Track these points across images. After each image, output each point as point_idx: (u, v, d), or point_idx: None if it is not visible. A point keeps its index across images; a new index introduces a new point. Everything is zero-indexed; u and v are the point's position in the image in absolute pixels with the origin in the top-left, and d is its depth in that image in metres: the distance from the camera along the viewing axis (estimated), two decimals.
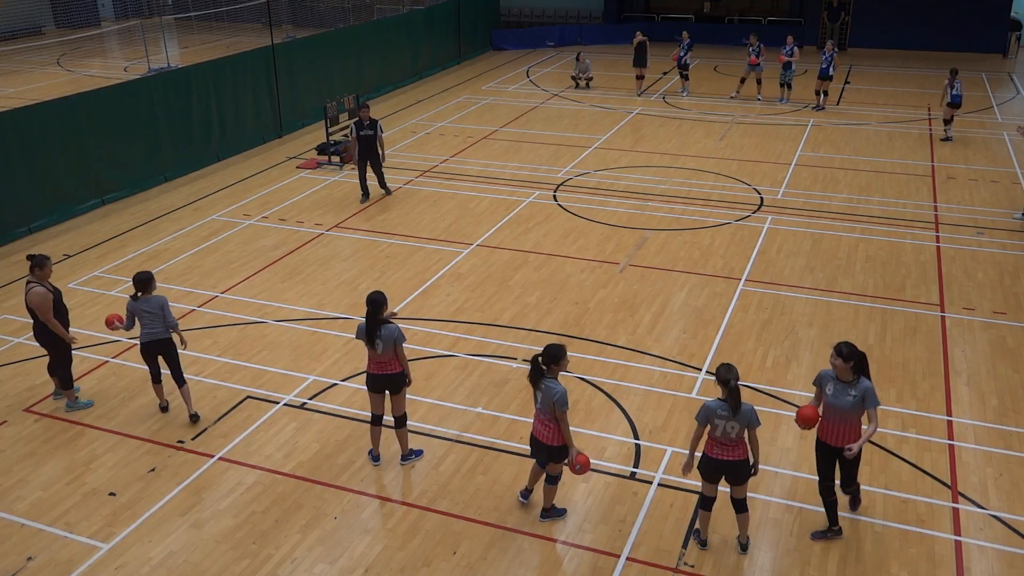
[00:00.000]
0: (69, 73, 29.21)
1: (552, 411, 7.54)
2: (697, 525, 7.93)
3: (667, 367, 10.76)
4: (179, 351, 9.65)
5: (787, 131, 21.05)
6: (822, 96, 23.07)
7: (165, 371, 9.75)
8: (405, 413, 8.84)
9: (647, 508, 8.31)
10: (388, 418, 8.90)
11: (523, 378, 10.44)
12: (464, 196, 16.72)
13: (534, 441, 7.88)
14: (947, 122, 20.20)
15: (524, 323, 11.84)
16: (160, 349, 9.46)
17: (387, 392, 8.67)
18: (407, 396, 9.12)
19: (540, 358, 7.61)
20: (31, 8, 36.80)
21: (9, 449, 9.33)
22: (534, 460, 8.16)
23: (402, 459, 8.98)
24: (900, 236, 14.67)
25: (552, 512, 8.16)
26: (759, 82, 24.06)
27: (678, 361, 10.89)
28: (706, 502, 7.70)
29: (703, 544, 7.82)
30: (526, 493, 8.36)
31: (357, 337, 8.60)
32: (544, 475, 8.03)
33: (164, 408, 9.84)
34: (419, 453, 9.08)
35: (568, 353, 7.66)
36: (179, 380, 9.62)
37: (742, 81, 24.24)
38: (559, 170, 18.22)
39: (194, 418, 9.63)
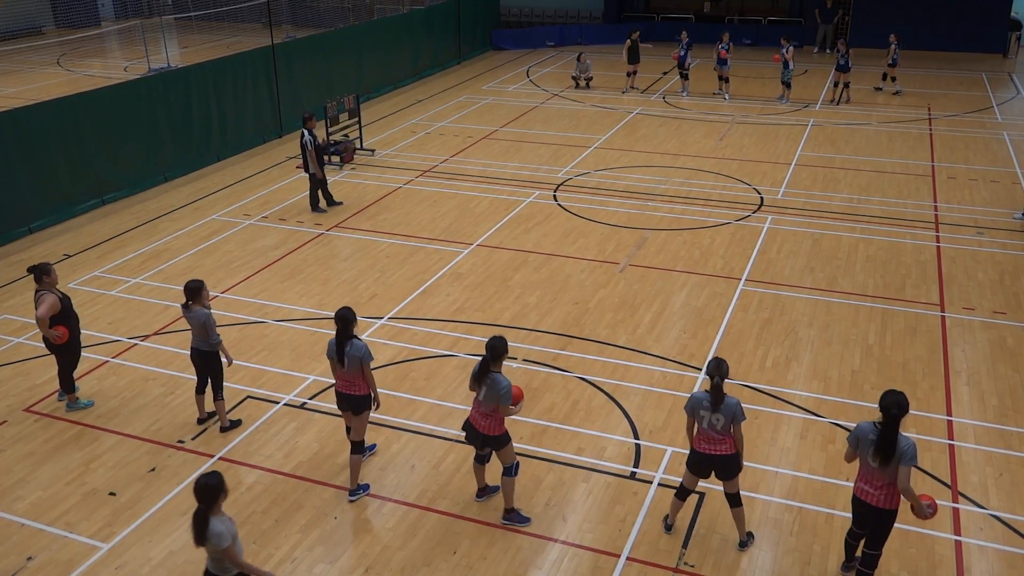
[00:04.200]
0: (69, 73, 29.20)
1: (496, 403, 7.66)
2: (667, 511, 8.02)
3: (667, 367, 10.76)
4: (224, 368, 9.44)
5: (787, 131, 21.05)
6: (841, 89, 23.47)
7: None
8: (363, 440, 8.40)
9: (647, 508, 8.31)
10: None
11: (523, 378, 10.45)
12: (464, 196, 16.72)
13: (471, 429, 7.92)
14: (885, 78, 24.68)
15: (524, 323, 11.84)
16: (201, 360, 9.28)
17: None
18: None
19: (488, 355, 7.72)
20: (31, 8, 36.77)
21: (9, 449, 9.33)
22: (475, 461, 8.28)
23: (350, 494, 8.45)
24: (900, 236, 14.67)
25: (515, 516, 8.09)
26: (726, 80, 24.34)
27: (678, 361, 10.89)
28: (681, 492, 7.82)
29: (668, 528, 7.94)
30: (480, 493, 8.40)
31: (328, 355, 8.34)
32: (498, 470, 8.12)
33: (201, 421, 9.61)
34: (366, 488, 8.55)
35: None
36: (216, 394, 9.42)
37: (726, 81, 24.32)
38: (559, 170, 18.22)
39: (224, 430, 9.47)
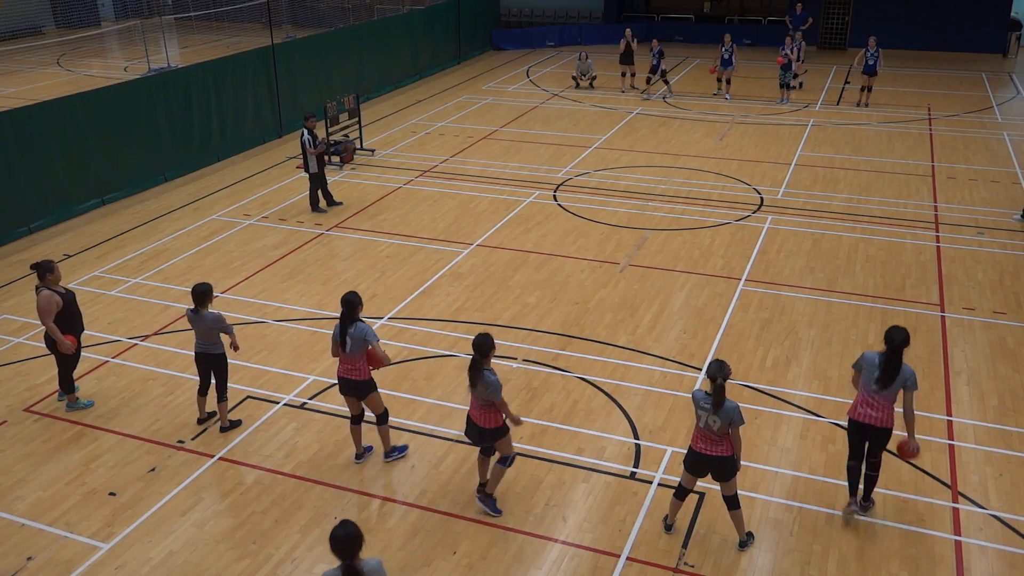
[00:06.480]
0: (69, 73, 29.20)
1: (490, 398, 7.78)
2: (667, 511, 8.04)
3: (667, 367, 10.76)
4: (228, 361, 9.48)
5: (787, 131, 21.05)
6: (866, 92, 23.17)
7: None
8: (385, 410, 8.84)
9: (647, 508, 8.31)
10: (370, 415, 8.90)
11: (523, 378, 10.46)
12: (464, 196, 16.73)
13: (471, 424, 8.09)
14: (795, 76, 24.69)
15: (524, 323, 11.84)
16: (210, 363, 9.31)
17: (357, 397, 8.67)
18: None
19: (476, 354, 7.79)
20: (31, 8, 36.79)
21: (9, 449, 9.33)
22: (479, 454, 8.37)
23: (385, 456, 8.97)
24: (900, 236, 14.67)
25: (489, 502, 8.24)
26: (728, 81, 24.40)
27: (678, 361, 10.89)
28: (680, 492, 7.83)
29: (668, 528, 7.97)
30: (482, 487, 8.43)
31: (333, 337, 8.52)
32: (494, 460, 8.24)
33: (201, 421, 9.66)
34: (403, 449, 9.08)
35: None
36: (221, 395, 9.44)
37: (728, 82, 24.33)
38: (559, 170, 18.22)
39: (224, 430, 9.50)
